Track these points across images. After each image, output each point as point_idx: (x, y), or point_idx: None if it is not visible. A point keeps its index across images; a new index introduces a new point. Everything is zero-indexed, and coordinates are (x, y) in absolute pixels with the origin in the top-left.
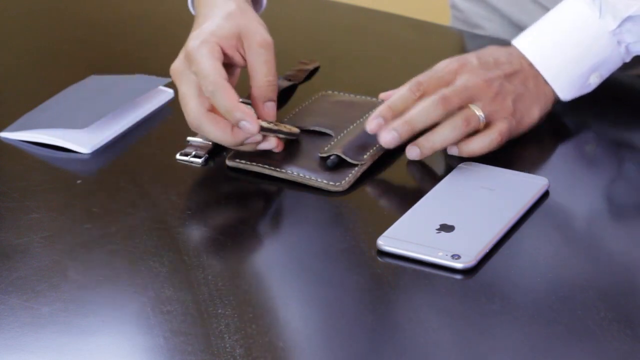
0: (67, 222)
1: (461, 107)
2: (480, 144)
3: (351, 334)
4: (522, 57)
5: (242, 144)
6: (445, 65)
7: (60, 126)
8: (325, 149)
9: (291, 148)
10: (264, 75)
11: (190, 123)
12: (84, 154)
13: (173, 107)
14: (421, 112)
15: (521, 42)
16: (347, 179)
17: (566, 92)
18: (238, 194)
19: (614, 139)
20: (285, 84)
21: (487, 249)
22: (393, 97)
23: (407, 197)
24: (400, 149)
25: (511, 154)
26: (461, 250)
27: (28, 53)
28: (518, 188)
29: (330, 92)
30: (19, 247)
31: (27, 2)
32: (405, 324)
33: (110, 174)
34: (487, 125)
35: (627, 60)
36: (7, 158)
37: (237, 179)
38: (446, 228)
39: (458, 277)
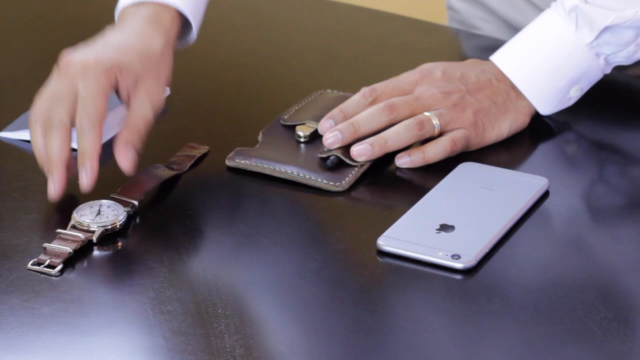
0: (67, 222)
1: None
2: (432, 150)
3: (351, 333)
4: (496, 74)
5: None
6: (407, 76)
7: None
8: (325, 149)
9: (291, 148)
10: (138, 125)
11: (91, 120)
12: None
13: (170, 105)
14: (366, 116)
15: (497, 57)
16: (347, 179)
17: (544, 106)
18: (238, 194)
19: (613, 139)
20: (168, 173)
21: (487, 249)
22: (347, 101)
23: (407, 197)
24: (399, 150)
25: (511, 154)
26: (461, 250)
27: (28, 53)
28: (518, 188)
29: (328, 91)
30: (19, 247)
31: (27, 3)
32: (405, 324)
33: (110, 173)
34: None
35: (607, 71)
36: (7, 158)
37: (237, 179)
38: (446, 228)
39: (458, 277)
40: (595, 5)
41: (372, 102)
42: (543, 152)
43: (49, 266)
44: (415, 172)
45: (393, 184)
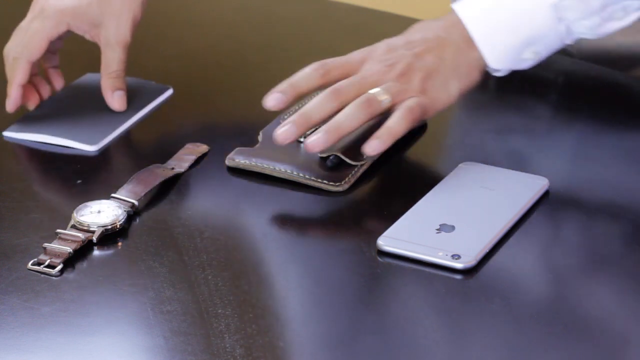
0: (67, 222)
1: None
2: (393, 123)
3: (351, 333)
4: (445, 27)
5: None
6: (355, 55)
7: (71, 139)
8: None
9: (291, 148)
10: (110, 67)
11: (18, 55)
12: (86, 152)
13: (170, 105)
14: (315, 105)
15: (457, 3)
16: (347, 179)
17: (495, 59)
18: (238, 194)
19: (614, 139)
20: (168, 173)
21: (487, 249)
22: (296, 74)
23: (407, 197)
24: (399, 149)
25: (511, 154)
26: (461, 250)
27: None
28: (518, 188)
29: None
30: (19, 247)
31: (27, 3)
32: (405, 324)
33: (110, 173)
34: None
35: (568, 42)
36: (7, 158)
37: (237, 179)
38: (446, 228)
39: (458, 277)
40: None
41: (323, 75)
42: (543, 152)
43: (49, 266)
44: (415, 172)
45: (393, 184)
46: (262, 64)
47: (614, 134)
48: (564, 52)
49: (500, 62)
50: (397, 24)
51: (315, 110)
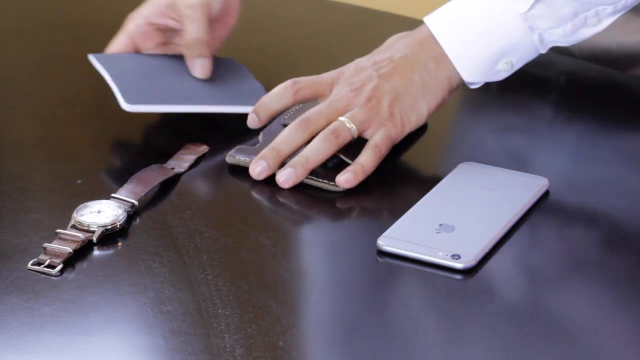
0: (67, 222)
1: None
2: (364, 160)
3: (351, 334)
4: (413, 45)
5: None
6: (327, 76)
7: (120, 84)
8: None
9: None
10: (189, 33)
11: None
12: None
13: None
14: (285, 138)
15: (429, 18)
16: None
17: (469, 73)
18: (238, 194)
19: (614, 139)
20: (168, 173)
21: (487, 249)
22: (268, 94)
23: (407, 197)
24: (399, 149)
25: (511, 154)
26: (461, 250)
27: (28, 53)
28: (518, 188)
29: None
30: (19, 247)
31: (27, 3)
32: (405, 324)
33: (110, 173)
34: (364, 134)
35: (543, 51)
36: (7, 158)
37: (237, 179)
38: (446, 228)
39: (458, 277)
40: None
41: (294, 95)
42: (543, 152)
43: (49, 266)
44: (415, 172)
45: (393, 184)
46: (262, 64)
47: (614, 134)
48: (565, 52)
49: (474, 76)
50: (397, 24)
51: (286, 143)
